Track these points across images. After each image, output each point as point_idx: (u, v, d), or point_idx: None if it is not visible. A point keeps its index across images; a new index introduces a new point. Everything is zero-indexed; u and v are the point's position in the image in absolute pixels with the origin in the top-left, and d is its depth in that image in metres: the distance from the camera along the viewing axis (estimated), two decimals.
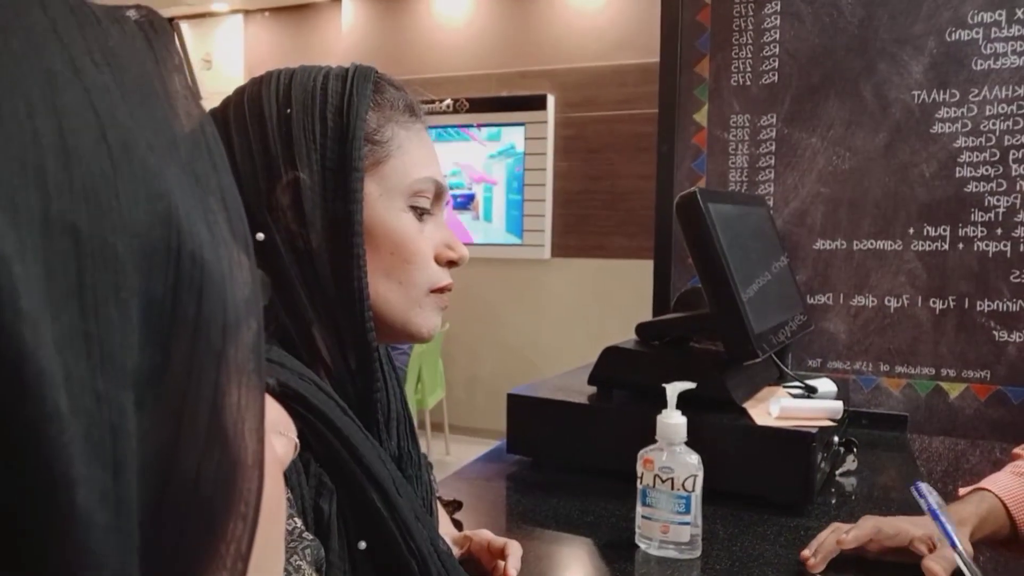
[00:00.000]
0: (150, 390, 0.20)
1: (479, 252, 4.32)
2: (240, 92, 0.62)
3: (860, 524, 0.80)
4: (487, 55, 4.41)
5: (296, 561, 0.49)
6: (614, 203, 4.12)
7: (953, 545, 0.68)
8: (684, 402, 0.87)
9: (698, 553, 0.85)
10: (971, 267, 1.42)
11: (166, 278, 0.20)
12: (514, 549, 0.72)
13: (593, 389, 1.17)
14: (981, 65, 1.41)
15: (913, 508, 0.88)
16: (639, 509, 0.87)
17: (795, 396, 1.14)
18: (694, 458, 0.85)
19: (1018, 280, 1.39)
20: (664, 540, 0.85)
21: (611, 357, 1.15)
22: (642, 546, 0.87)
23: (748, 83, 1.57)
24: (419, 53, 4.55)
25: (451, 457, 4.06)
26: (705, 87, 1.60)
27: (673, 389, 0.87)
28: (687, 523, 0.84)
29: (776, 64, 1.54)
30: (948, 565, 0.75)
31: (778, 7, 1.54)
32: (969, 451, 1.33)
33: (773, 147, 1.55)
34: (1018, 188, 1.39)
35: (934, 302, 1.45)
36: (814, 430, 0.99)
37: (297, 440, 0.51)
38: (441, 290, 0.64)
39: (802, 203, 1.54)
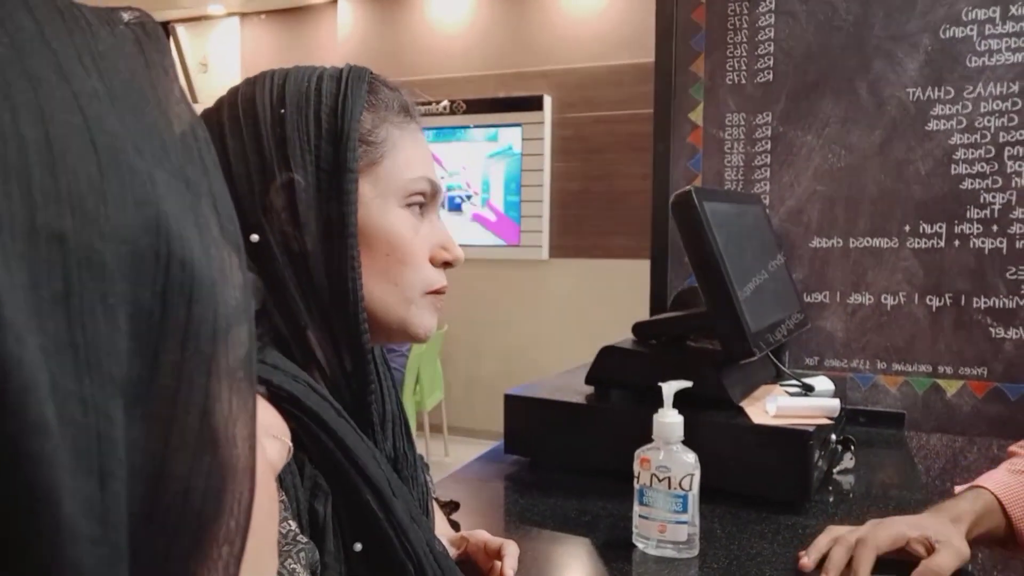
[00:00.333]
0: (139, 398, 0.20)
1: (477, 253, 4.32)
2: (234, 93, 0.62)
3: (863, 538, 0.79)
4: (484, 56, 4.41)
5: (290, 565, 0.49)
6: (612, 203, 4.12)
7: None
8: (681, 401, 0.87)
9: (696, 552, 0.85)
10: (967, 264, 1.42)
11: (155, 285, 0.20)
12: (511, 550, 0.72)
13: (591, 389, 1.17)
14: (976, 62, 1.41)
15: (910, 509, 0.88)
16: (636, 508, 0.87)
17: (792, 394, 1.14)
18: (691, 457, 0.85)
19: (1014, 277, 1.40)
20: (662, 539, 0.85)
21: (608, 357, 1.15)
22: (640, 545, 0.87)
23: (743, 82, 1.57)
24: (416, 55, 4.55)
25: (450, 458, 4.05)
26: (700, 86, 1.60)
27: (669, 388, 0.87)
28: (684, 522, 0.84)
29: (771, 62, 1.54)
30: (947, 569, 0.75)
31: (772, 5, 1.54)
32: (967, 448, 1.33)
33: (769, 145, 1.55)
34: (1013, 185, 1.39)
35: (931, 299, 1.45)
36: (811, 428, 0.99)
37: (291, 443, 0.51)
38: (437, 291, 0.64)
39: (798, 201, 1.54)
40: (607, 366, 1.15)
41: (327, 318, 0.59)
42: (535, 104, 4.24)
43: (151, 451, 0.20)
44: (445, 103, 4.37)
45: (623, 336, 1.20)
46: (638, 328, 1.19)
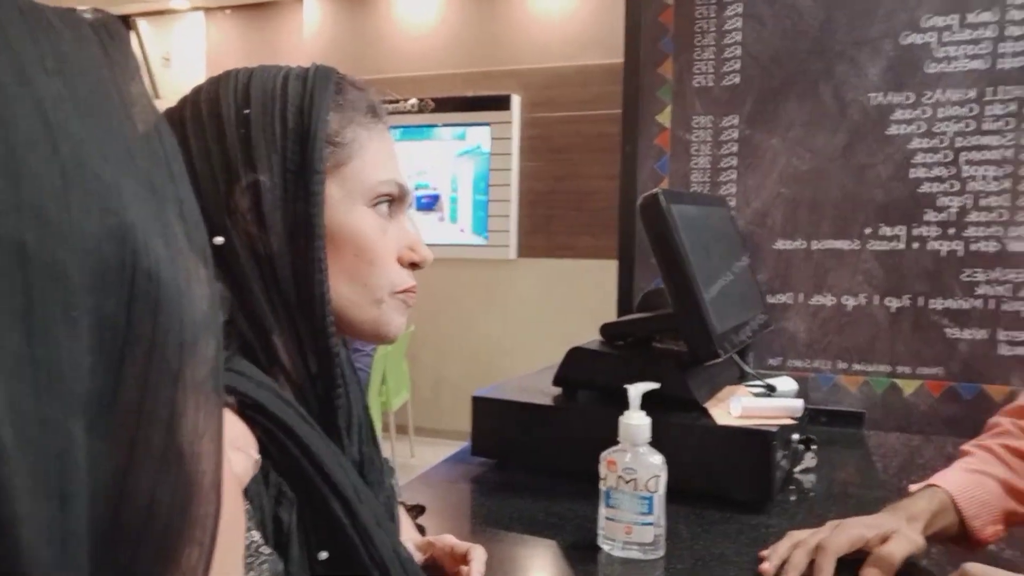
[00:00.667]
0: (102, 414, 0.19)
1: (445, 252, 4.31)
2: (197, 92, 0.61)
3: (823, 543, 0.80)
4: (452, 55, 4.40)
5: None
6: (580, 203, 4.14)
7: None
8: (648, 402, 0.87)
9: (661, 553, 0.85)
10: (925, 266, 1.45)
11: (120, 296, 0.19)
12: (478, 554, 0.72)
13: (558, 390, 1.18)
14: (934, 68, 1.44)
15: (869, 507, 0.90)
16: (602, 510, 0.87)
17: (756, 395, 1.15)
18: (657, 459, 0.85)
19: (969, 279, 1.43)
20: (628, 541, 0.85)
21: (576, 358, 1.15)
22: (605, 547, 0.87)
23: (710, 84, 1.58)
24: (383, 52, 4.52)
25: (416, 460, 4.04)
26: (668, 88, 1.61)
27: (635, 390, 0.87)
28: (650, 523, 0.84)
29: (738, 66, 1.56)
30: (898, 554, 0.77)
31: (740, 9, 1.55)
32: (923, 446, 1.36)
33: (735, 148, 1.57)
34: (969, 189, 1.43)
35: (890, 301, 1.48)
36: (774, 429, 1.01)
37: (258, 456, 0.50)
38: (405, 291, 0.64)
39: (763, 204, 1.56)
40: (575, 367, 1.15)
41: (293, 321, 0.58)
42: (503, 103, 4.24)
43: (114, 467, 0.19)
44: (413, 101, 4.35)
45: (591, 336, 1.21)
46: (605, 329, 1.20)
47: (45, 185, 0.18)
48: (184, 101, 0.61)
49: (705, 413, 1.05)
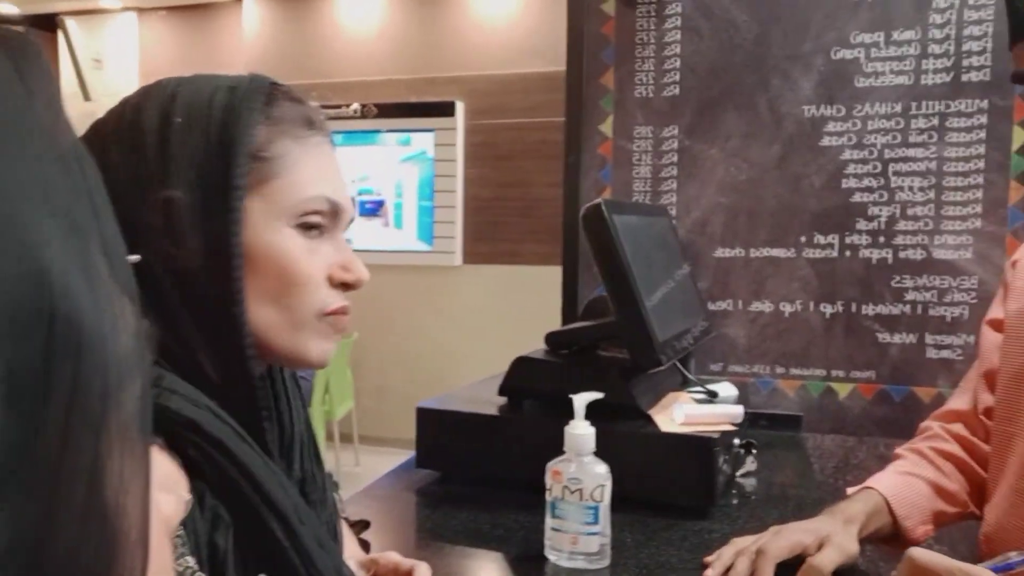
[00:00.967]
0: (16, 469, 0.18)
1: (389, 259, 4.27)
2: (124, 102, 0.59)
3: (763, 548, 0.82)
4: (395, 61, 4.37)
5: None
6: (525, 210, 4.15)
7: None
8: (593, 410, 0.88)
9: (607, 563, 0.86)
10: (857, 273, 1.51)
11: (36, 344, 0.18)
12: (422, 571, 0.71)
13: (504, 400, 1.17)
14: (863, 82, 1.49)
15: (808, 508, 0.92)
16: (548, 521, 0.87)
17: (698, 401, 1.17)
18: (602, 468, 0.86)
19: (899, 285, 1.49)
20: (574, 551, 0.85)
21: (521, 368, 1.15)
22: (552, 558, 0.87)
23: (651, 95, 1.61)
24: (325, 57, 4.46)
25: (361, 468, 3.98)
26: (610, 98, 1.63)
27: (580, 400, 0.88)
28: (596, 533, 0.85)
29: (678, 77, 1.59)
30: (828, 564, 0.79)
31: (679, 22, 1.59)
32: (857, 447, 1.41)
33: (675, 158, 1.60)
34: (898, 199, 1.48)
35: (824, 307, 1.52)
36: (716, 435, 1.02)
37: (189, 496, 0.48)
38: (334, 312, 0.61)
39: (703, 213, 1.59)
40: (520, 377, 1.15)
41: (217, 340, 0.56)
42: (447, 110, 4.23)
43: (32, 524, 0.18)
44: (356, 107, 4.30)
45: (537, 342, 1.21)
46: (550, 338, 1.20)
47: None
48: (111, 113, 0.59)
49: (649, 420, 1.06)
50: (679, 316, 1.23)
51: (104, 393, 0.20)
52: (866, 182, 1.50)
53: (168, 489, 0.48)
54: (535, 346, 1.20)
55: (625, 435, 1.03)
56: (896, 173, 1.48)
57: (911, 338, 1.48)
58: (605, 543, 0.86)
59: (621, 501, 0.88)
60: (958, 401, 0.98)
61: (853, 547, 0.82)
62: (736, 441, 1.15)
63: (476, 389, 1.28)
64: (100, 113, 0.60)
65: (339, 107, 4.26)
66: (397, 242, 4.35)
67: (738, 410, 1.11)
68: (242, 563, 0.53)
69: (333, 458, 3.85)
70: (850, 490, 0.94)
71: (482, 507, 1.04)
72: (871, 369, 1.50)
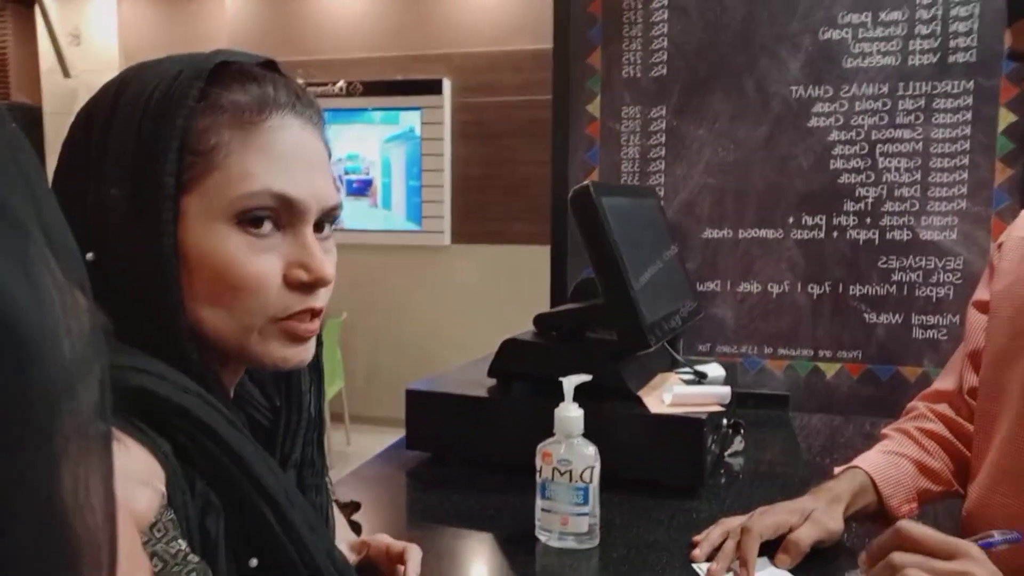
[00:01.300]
0: None
1: (378, 239, 4.25)
2: (98, 91, 0.57)
3: (748, 527, 0.83)
4: (381, 38, 4.32)
5: None
6: (514, 188, 4.14)
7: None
8: (582, 392, 0.88)
9: (596, 542, 0.87)
10: (844, 254, 1.51)
11: None
12: (413, 554, 0.72)
13: (493, 381, 1.18)
14: (851, 63, 1.49)
15: (795, 487, 0.93)
16: (538, 502, 0.88)
17: (687, 382, 1.18)
18: (591, 449, 0.86)
19: (885, 266, 1.50)
20: (564, 532, 0.86)
21: (510, 350, 1.16)
22: (542, 538, 0.88)
23: (639, 75, 1.60)
24: (309, 34, 4.40)
25: (352, 448, 4.00)
26: (597, 78, 1.62)
27: (569, 382, 0.88)
28: (585, 514, 0.86)
29: (665, 57, 1.58)
30: (806, 540, 0.81)
31: (666, 2, 1.57)
32: (843, 426, 1.42)
33: (663, 139, 1.60)
34: (884, 180, 1.49)
35: (811, 287, 1.53)
36: (704, 416, 1.03)
37: (164, 489, 0.48)
38: (293, 316, 0.56)
39: (690, 194, 1.59)
40: (509, 359, 1.15)
41: (163, 345, 0.53)
42: (434, 88, 4.19)
43: None
44: (342, 84, 4.26)
45: (526, 321, 1.21)
46: (539, 320, 1.20)
47: None
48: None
49: (638, 402, 1.07)
50: (667, 297, 1.23)
51: (55, 396, 0.19)
52: (853, 163, 1.50)
53: (144, 482, 0.47)
54: (524, 324, 1.21)
55: (614, 416, 1.03)
56: (883, 154, 1.49)
57: (897, 318, 1.50)
58: (595, 523, 0.87)
59: (610, 482, 0.89)
60: (944, 381, 0.99)
61: (834, 525, 0.84)
62: (724, 421, 1.16)
63: (465, 370, 1.28)
64: (82, 90, 0.59)
65: (324, 84, 4.22)
66: (385, 222, 4.32)
67: (726, 391, 1.12)
68: (233, 548, 0.54)
69: (325, 438, 3.86)
70: (837, 469, 0.96)
71: (472, 488, 1.05)
72: (857, 349, 1.52)
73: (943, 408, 0.97)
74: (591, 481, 0.85)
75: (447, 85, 4.21)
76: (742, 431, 1.23)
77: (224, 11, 4.52)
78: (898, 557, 0.60)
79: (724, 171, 1.57)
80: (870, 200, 1.50)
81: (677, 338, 1.34)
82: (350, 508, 0.89)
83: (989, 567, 0.61)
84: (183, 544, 0.50)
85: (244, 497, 0.54)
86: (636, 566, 0.83)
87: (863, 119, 1.49)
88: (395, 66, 4.27)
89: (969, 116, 1.44)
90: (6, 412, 0.18)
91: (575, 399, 0.88)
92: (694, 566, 0.82)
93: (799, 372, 1.55)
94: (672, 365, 1.28)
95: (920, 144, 1.47)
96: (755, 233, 1.56)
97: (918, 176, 1.47)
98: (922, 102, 1.46)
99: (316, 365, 0.66)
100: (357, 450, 3.89)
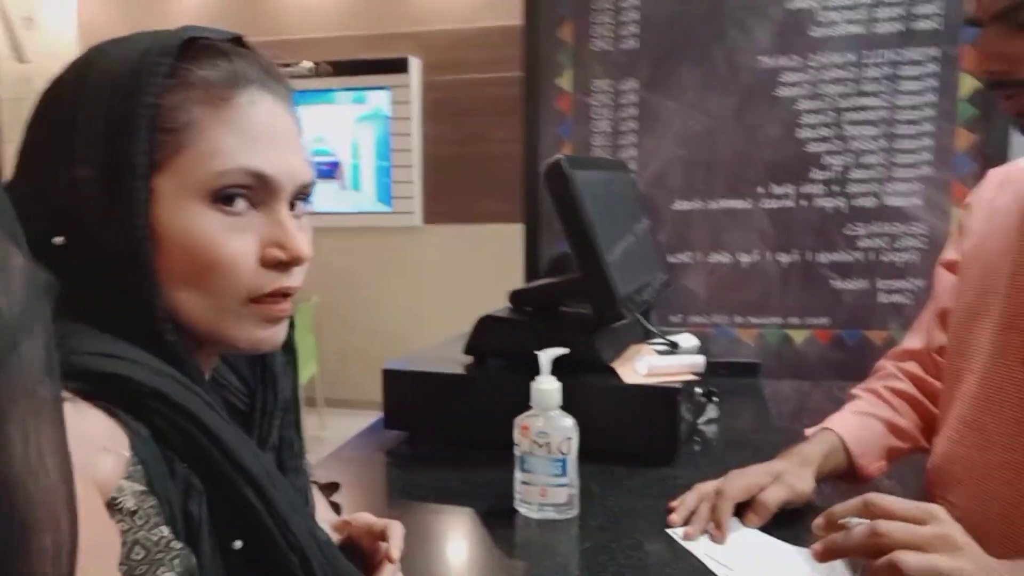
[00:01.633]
0: None
1: (348, 221, 4.21)
2: (60, 72, 0.56)
3: (721, 489, 0.85)
4: (347, 16, 4.25)
5: (164, 573, 0.46)
6: (485, 167, 4.12)
7: None
8: (558, 365, 0.89)
9: (576, 512, 0.88)
10: (812, 222, 1.54)
11: None
12: (395, 530, 0.72)
13: (470, 359, 1.18)
14: (818, 32, 1.50)
15: (767, 452, 0.95)
16: (517, 475, 0.89)
17: (660, 352, 1.20)
18: (568, 421, 0.87)
19: (852, 233, 1.52)
20: (543, 503, 0.87)
21: (486, 326, 1.16)
22: (522, 510, 0.89)
23: (609, 48, 1.60)
24: (274, 13, 4.32)
25: (328, 432, 3.99)
26: (568, 52, 1.62)
27: (546, 356, 0.89)
28: (564, 484, 0.87)
29: (636, 30, 1.58)
30: (773, 500, 0.83)
31: None
32: (813, 391, 1.45)
33: (635, 112, 1.60)
34: (851, 148, 1.51)
35: (781, 256, 1.56)
36: (678, 385, 1.05)
37: (128, 454, 0.47)
38: (268, 296, 0.55)
39: (662, 166, 1.60)
40: (485, 336, 1.16)
41: (138, 327, 0.53)
42: (401, 66, 4.14)
43: None
44: (308, 65, 4.19)
45: (500, 300, 1.21)
46: (514, 296, 1.20)
47: None
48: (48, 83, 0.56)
49: (613, 373, 1.08)
50: (640, 269, 1.24)
51: None
52: (820, 132, 1.52)
53: (104, 448, 0.47)
54: (498, 304, 1.21)
55: (590, 388, 1.04)
56: (850, 123, 1.51)
57: (863, 284, 1.52)
58: (573, 494, 0.88)
59: (588, 452, 0.90)
60: (912, 340, 1.01)
61: (802, 485, 0.86)
62: (698, 390, 1.18)
63: (442, 349, 1.28)
64: (37, 76, 0.57)
65: (290, 65, 4.15)
66: (355, 204, 4.28)
67: (700, 360, 1.13)
68: (216, 531, 0.53)
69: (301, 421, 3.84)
70: (808, 431, 0.98)
71: (452, 465, 1.05)
72: (826, 315, 1.54)
73: (911, 366, 1.00)
74: (569, 452, 0.86)
75: (415, 63, 4.16)
76: (715, 399, 1.25)
77: None
78: (884, 525, 0.62)
79: (694, 143, 1.57)
80: (838, 168, 1.52)
81: (649, 310, 1.36)
82: (329, 489, 0.89)
83: (957, 526, 0.63)
84: (166, 531, 0.49)
85: (226, 479, 0.53)
86: (615, 534, 0.85)
87: (830, 87, 1.51)
88: (362, 45, 4.21)
89: (935, 83, 1.46)
90: None
91: (552, 373, 0.89)
92: (669, 531, 0.84)
93: (770, 340, 1.58)
94: (645, 337, 1.29)
95: (885, 112, 1.49)
96: (725, 204, 1.57)
97: (884, 143, 1.50)
98: (887, 70, 1.48)
99: (289, 346, 0.66)
100: (332, 435, 3.88)
